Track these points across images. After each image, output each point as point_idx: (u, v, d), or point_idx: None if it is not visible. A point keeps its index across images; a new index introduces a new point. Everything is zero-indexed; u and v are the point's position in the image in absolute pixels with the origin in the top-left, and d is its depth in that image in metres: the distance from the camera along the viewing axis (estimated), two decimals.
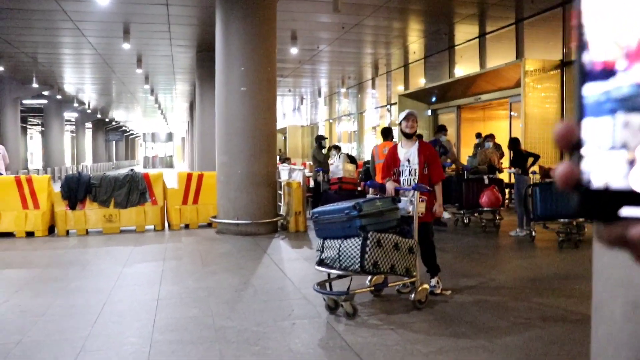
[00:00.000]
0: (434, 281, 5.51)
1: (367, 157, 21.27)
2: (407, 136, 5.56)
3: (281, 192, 10.62)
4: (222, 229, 9.57)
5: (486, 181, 9.75)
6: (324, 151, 12.08)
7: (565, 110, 11.85)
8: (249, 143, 9.41)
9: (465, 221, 10.20)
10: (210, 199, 10.22)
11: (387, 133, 9.55)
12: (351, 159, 13.01)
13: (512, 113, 13.44)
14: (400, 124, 5.58)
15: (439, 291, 5.47)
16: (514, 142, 9.53)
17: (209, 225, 10.27)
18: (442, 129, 10.77)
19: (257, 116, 9.46)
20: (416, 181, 5.40)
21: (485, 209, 9.56)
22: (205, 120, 18.03)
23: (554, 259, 7.40)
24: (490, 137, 10.66)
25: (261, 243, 8.62)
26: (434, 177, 5.49)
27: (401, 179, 5.48)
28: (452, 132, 14.83)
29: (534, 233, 8.57)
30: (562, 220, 8.13)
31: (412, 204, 5.13)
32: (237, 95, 9.44)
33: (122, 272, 6.67)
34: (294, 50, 15.89)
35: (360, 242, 4.61)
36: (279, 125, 11.40)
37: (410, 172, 5.47)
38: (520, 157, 9.30)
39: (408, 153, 5.50)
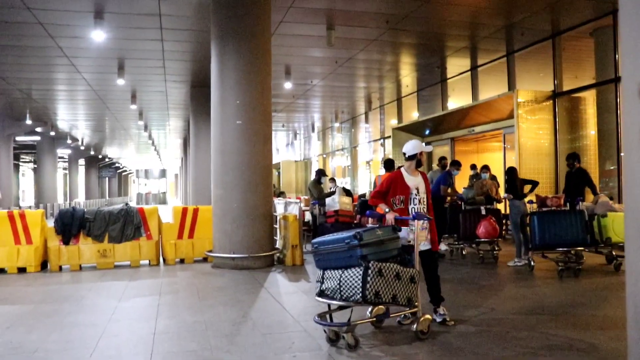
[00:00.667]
0: (443, 310, 5.47)
1: (361, 191, 21.31)
2: (418, 166, 5.61)
3: (277, 226, 10.55)
4: (218, 263, 9.47)
5: (483, 212, 9.76)
6: (327, 187, 12.08)
7: (558, 141, 11.93)
8: (245, 176, 9.39)
9: (464, 252, 10.14)
10: (206, 233, 10.14)
11: (390, 165, 9.58)
12: (347, 192, 13.03)
13: (506, 145, 13.52)
14: (420, 153, 5.57)
15: (449, 319, 5.44)
16: (510, 171, 9.53)
17: (205, 259, 10.16)
18: (455, 164, 10.85)
19: (253, 149, 9.46)
20: (425, 210, 5.48)
21: (482, 239, 9.54)
22: (199, 155, 18.05)
23: (554, 288, 7.34)
24: (486, 168, 10.73)
25: (258, 277, 8.52)
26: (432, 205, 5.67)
27: (410, 207, 5.46)
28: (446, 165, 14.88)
29: (532, 262, 8.52)
30: (560, 249, 8.10)
31: (412, 233, 5.11)
32: (232, 128, 9.45)
33: (118, 306, 6.54)
34: (287, 85, 16.05)
35: (361, 272, 4.56)
36: (273, 161, 11.35)
37: (420, 201, 5.49)
38: (514, 184, 9.28)
39: (416, 181, 5.53)
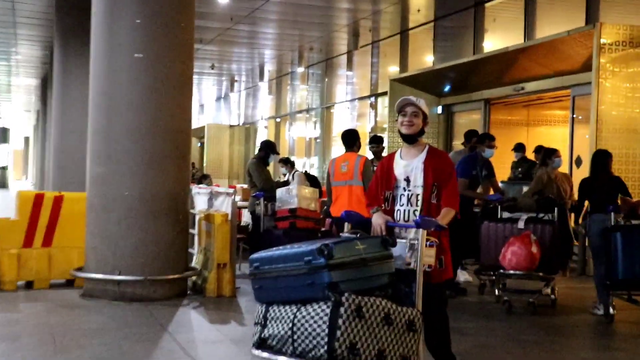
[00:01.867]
0: None
1: None
2: (407, 139, 5.56)
3: (195, 232, 10.54)
4: (93, 290, 9.42)
5: (521, 225, 9.55)
6: (279, 172, 12.09)
7: None
8: (146, 146, 9.33)
9: (497, 292, 10.00)
10: (74, 240, 10.07)
11: (351, 139, 9.60)
12: (312, 181, 13.07)
13: (576, 115, 13.60)
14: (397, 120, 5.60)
15: None
16: (599, 159, 9.45)
17: (71, 282, 10.14)
18: (486, 138, 10.65)
19: (161, 101, 9.42)
20: (418, 214, 5.39)
21: (511, 271, 9.32)
22: (69, 107, 17.84)
23: None
24: (556, 152, 10.76)
25: (160, 314, 8.53)
26: (443, 202, 5.41)
27: (396, 209, 5.52)
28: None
29: (611, 310, 8.54)
30: None
31: (414, 251, 5.12)
32: (127, 65, 9.38)
33: None
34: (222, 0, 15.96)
35: (328, 311, 4.58)
36: (194, 124, 11.24)
37: (409, 200, 5.47)
38: (594, 185, 9.26)
39: (409, 167, 5.50)
